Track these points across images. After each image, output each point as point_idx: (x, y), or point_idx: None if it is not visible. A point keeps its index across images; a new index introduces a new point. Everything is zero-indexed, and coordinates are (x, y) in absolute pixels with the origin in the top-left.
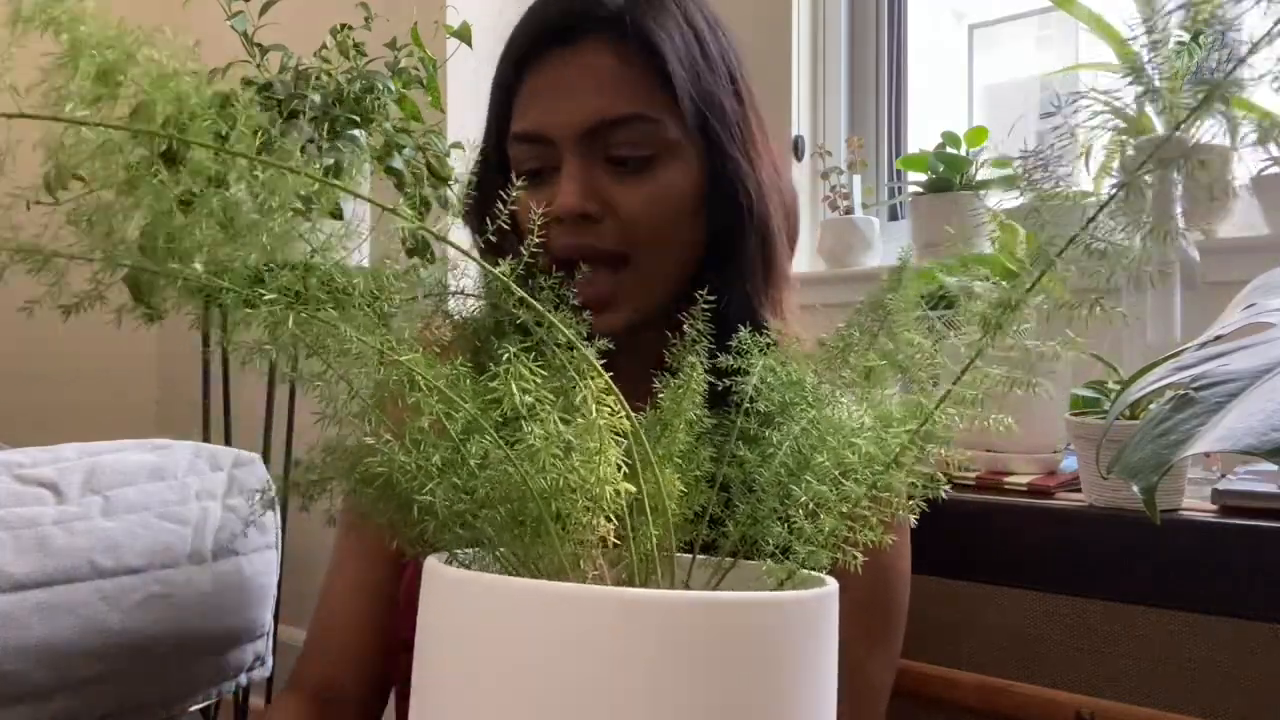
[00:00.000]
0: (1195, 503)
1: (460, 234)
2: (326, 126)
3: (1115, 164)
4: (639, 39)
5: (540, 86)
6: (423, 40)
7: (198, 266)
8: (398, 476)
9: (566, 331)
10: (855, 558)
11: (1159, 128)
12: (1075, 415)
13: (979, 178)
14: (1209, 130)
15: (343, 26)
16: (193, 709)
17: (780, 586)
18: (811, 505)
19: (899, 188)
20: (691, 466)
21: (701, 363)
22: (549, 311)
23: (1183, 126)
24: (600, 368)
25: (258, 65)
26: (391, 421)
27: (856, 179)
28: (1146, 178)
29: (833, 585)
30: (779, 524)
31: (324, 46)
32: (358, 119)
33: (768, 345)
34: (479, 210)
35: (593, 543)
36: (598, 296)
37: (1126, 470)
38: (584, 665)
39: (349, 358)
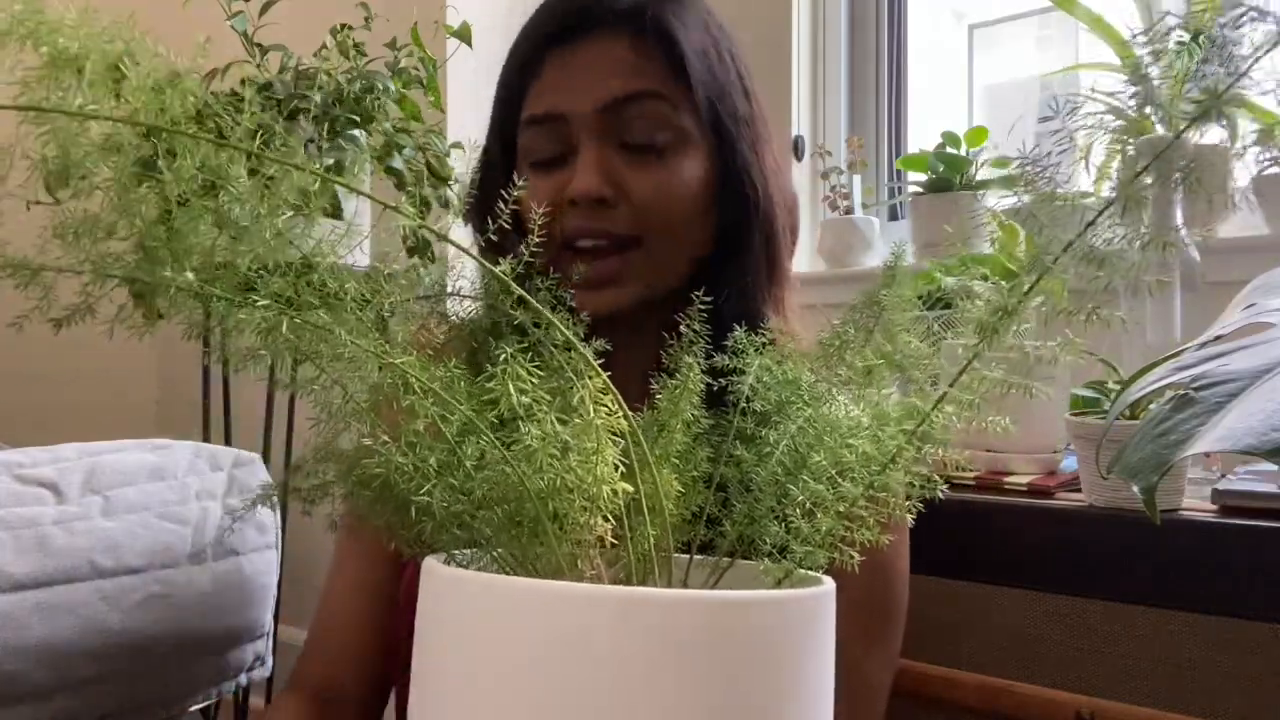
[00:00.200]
0: (1195, 503)
1: (461, 234)
2: (326, 126)
3: (1115, 165)
4: (656, 31)
5: (556, 73)
6: (423, 40)
7: (189, 275)
8: (395, 478)
9: (565, 330)
10: (852, 557)
11: (1159, 128)
12: (1075, 415)
13: (979, 178)
14: (1210, 134)
15: (343, 26)
16: (193, 709)
17: (778, 586)
18: (809, 505)
19: (899, 188)
20: (689, 467)
21: (698, 363)
22: (546, 311)
23: (1182, 134)
24: (598, 367)
25: (258, 65)
26: (388, 424)
27: (856, 179)
28: (1145, 183)
29: (830, 584)
30: (776, 524)
31: (324, 46)
32: (358, 119)
33: (764, 344)
34: (480, 208)
35: (590, 543)
36: (606, 272)
37: (1126, 470)
38: (581, 664)
39: (343, 362)
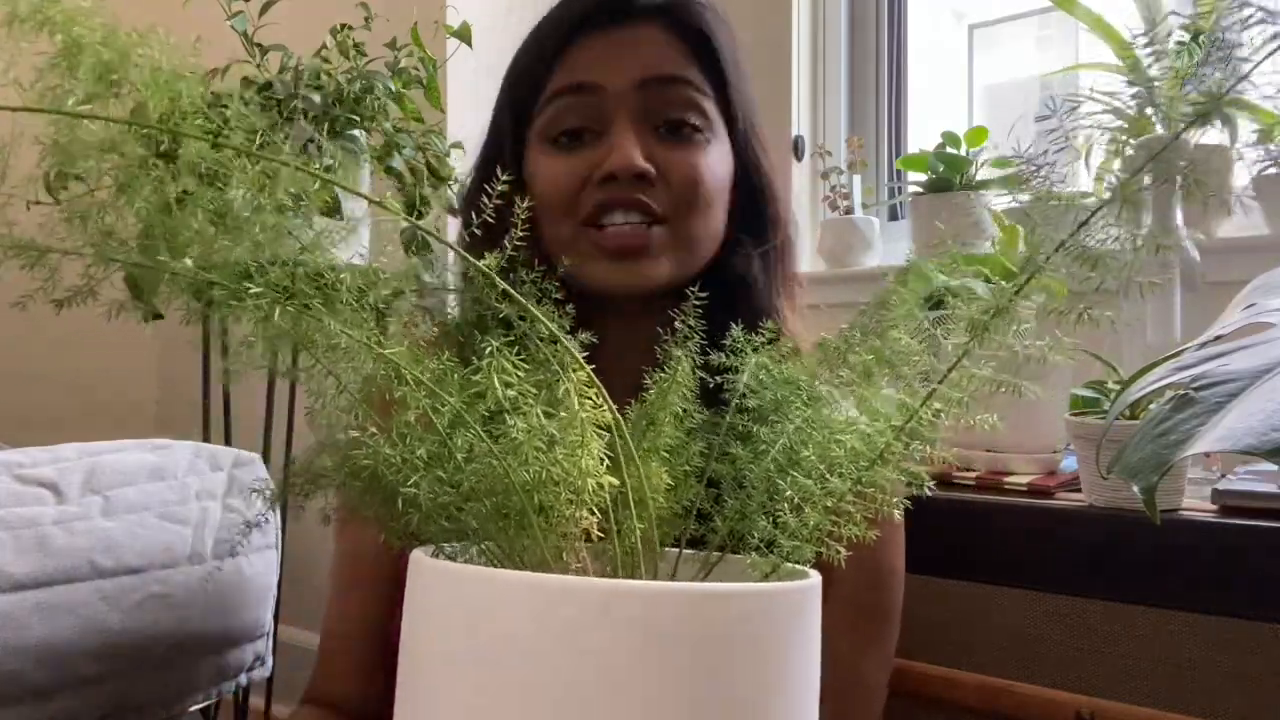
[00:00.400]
0: (1195, 503)
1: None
2: (326, 126)
3: (1115, 165)
4: (692, 25)
5: (590, 50)
6: (423, 40)
7: (188, 262)
8: (383, 470)
9: (548, 323)
10: (839, 552)
11: (1159, 128)
12: (1075, 415)
13: (979, 178)
14: (1210, 134)
15: (343, 26)
16: (193, 709)
17: (765, 580)
18: (796, 500)
19: (899, 188)
20: (680, 461)
21: (689, 357)
22: (530, 305)
23: (1181, 135)
24: (582, 360)
25: (258, 65)
26: (381, 415)
27: (856, 179)
28: (1142, 183)
29: (815, 578)
30: (765, 519)
31: (324, 46)
32: (358, 119)
33: (765, 342)
34: (478, 197)
35: (576, 535)
36: (637, 240)
37: (1126, 470)
38: (565, 655)
39: (336, 352)
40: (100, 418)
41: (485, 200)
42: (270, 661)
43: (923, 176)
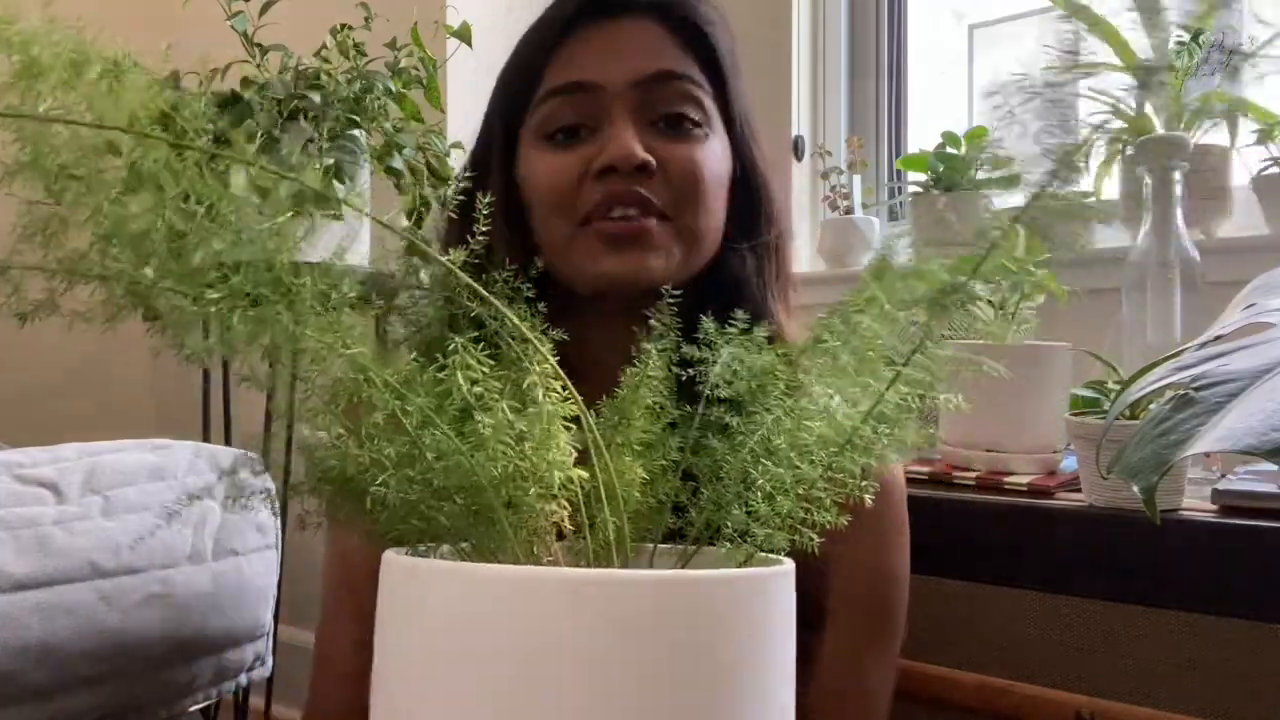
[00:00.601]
0: (1195, 503)
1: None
2: (326, 126)
3: (1115, 165)
4: (690, 22)
5: (585, 48)
6: (423, 40)
7: (148, 272)
8: (351, 470)
9: (513, 318)
10: (811, 539)
11: (1159, 127)
12: (1075, 415)
13: (979, 178)
14: (1210, 134)
15: (343, 26)
16: (193, 709)
17: (739, 568)
18: (769, 488)
19: (899, 188)
20: (657, 455)
21: (660, 351)
22: (498, 303)
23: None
24: (547, 353)
25: (258, 65)
26: (351, 418)
27: (856, 179)
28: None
29: (787, 565)
30: (738, 508)
31: (324, 46)
32: (358, 119)
33: (739, 333)
34: (472, 197)
35: (547, 529)
36: (641, 230)
37: (1126, 470)
38: (535, 647)
39: (302, 356)
40: (100, 418)
41: (471, 202)
42: (270, 661)
43: (923, 176)
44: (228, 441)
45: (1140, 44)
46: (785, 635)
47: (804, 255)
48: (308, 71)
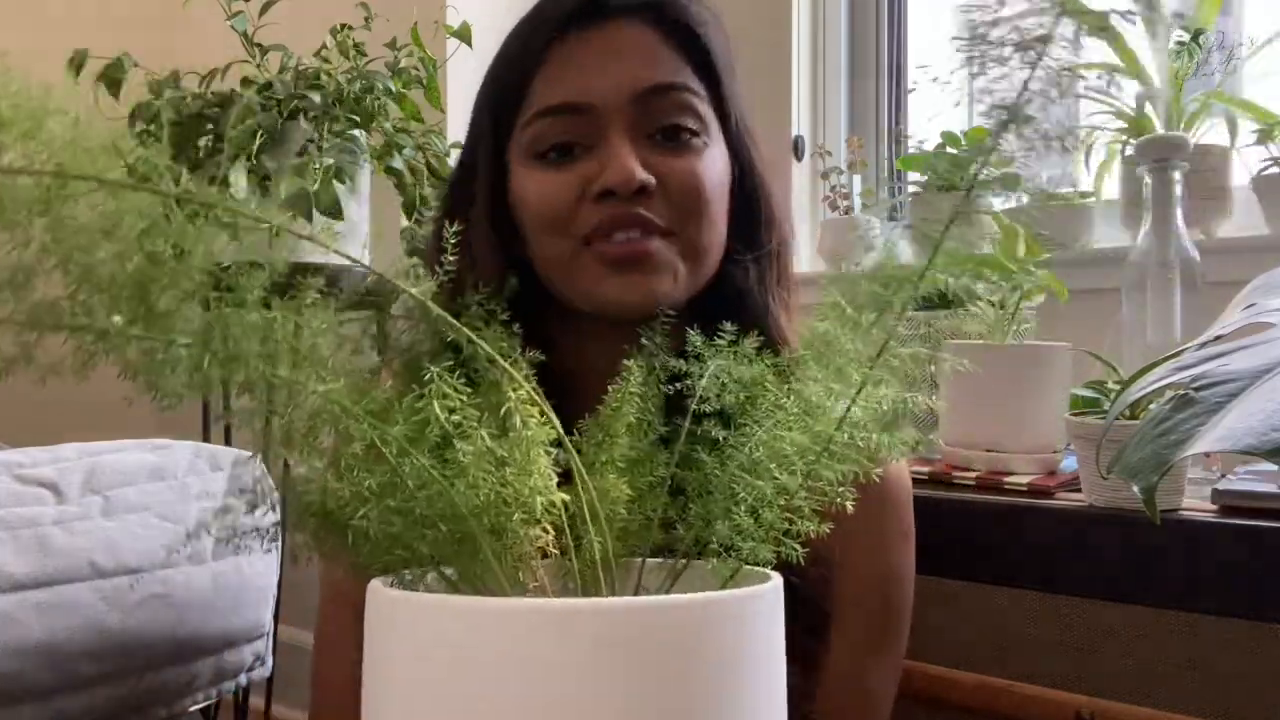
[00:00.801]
0: (1195, 503)
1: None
2: (326, 126)
3: (1116, 165)
4: (680, 24)
5: (573, 61)
6: (423, 40)
7: (117, 319)
8: (332, 504)
9: (485, 346)
10: (795, 549)
11: (1159, 127)
12: (1075, 415)
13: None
14: (1209, 134)
15: (343, 26)
16: (193, 709)
17: (725, 584)
18: (751, 502)
19: (899, 188)
20: (644, 471)
21: (642, 367)
22: (478, 329)
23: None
24: (521, 379)
25: (258, 65)
26: (330, 448)
27: (856, 179)
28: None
29: (774, 581)
30: (723, 522)
31: (324, 46)
32: (358, 119)
33: (726, 344)
34: (459, 214)
35: (531, 555)
36: (640, 250)
37: (1126, 470)
38: (521, 677)
39: (279, 393)
40: (100, 418)
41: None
42: (270, 661)
43: (923, 176)
44: (228, 441)
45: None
46: (774, 651)
47: (804, 255)
48: (308, 71)
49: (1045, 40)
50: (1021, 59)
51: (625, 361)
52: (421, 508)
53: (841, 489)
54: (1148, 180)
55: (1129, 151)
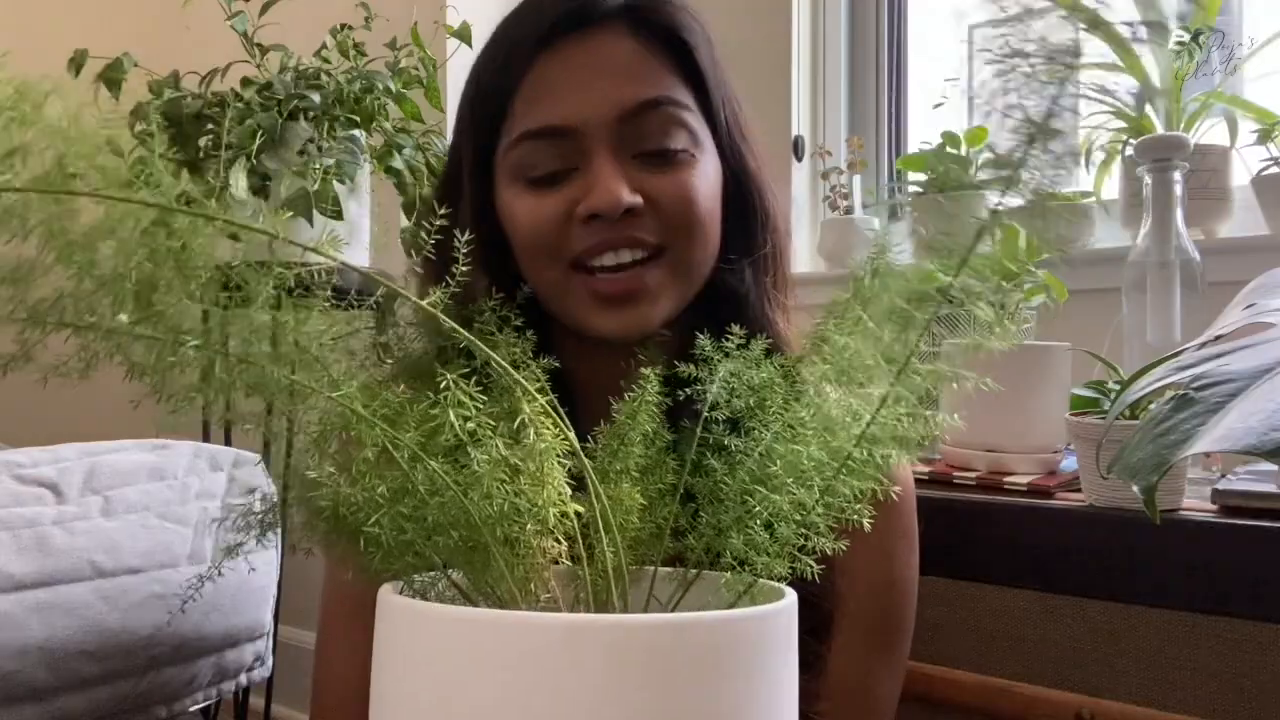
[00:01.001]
0: (1195, 503)
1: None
2: (326, 126)
3: (1116, 165)
4: (662, 28)
5: (555, 78)
6: (423, 40)
7: (123, 318)
8: (343, 510)
9: (498, 360)
10: (811, 566)
11: (1159, 127)
12: (1075, 415)
13: (979, 178)
14: (1210, 134)
15: (343, 26)
16: (193, 709)
17: (739, 598)
18: (767, 516)
19: (899, 188)
20: (655, 479)
21: (657, 375)
22: (489, 334)
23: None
24: (535, 390)
25: (258, 65)
26: (341, 453)
27: (856, 179)
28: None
29: (788, 598)
30: (737, 536)
31: (324, 46)
32: (358, 119)
33: (736, 348)
34: (447, 228)
35: (544, 565)
36: (635, 284)
37: (1126, 470)
38: (530, 691)
39: (288, 395)
40: (100, 418)
41: (446, 232)
42: (270, 661)
43: (923, 176)
44: (228, 441)
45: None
46: (787, 668)
47: (804, 255)
48: (308, 71)
49: (1074, 55)
50: (1049, 74)
51: (643, 370)
52: (434, 515)
53: (859, 506)
54: (1148, 180)
55: (1129, 151)
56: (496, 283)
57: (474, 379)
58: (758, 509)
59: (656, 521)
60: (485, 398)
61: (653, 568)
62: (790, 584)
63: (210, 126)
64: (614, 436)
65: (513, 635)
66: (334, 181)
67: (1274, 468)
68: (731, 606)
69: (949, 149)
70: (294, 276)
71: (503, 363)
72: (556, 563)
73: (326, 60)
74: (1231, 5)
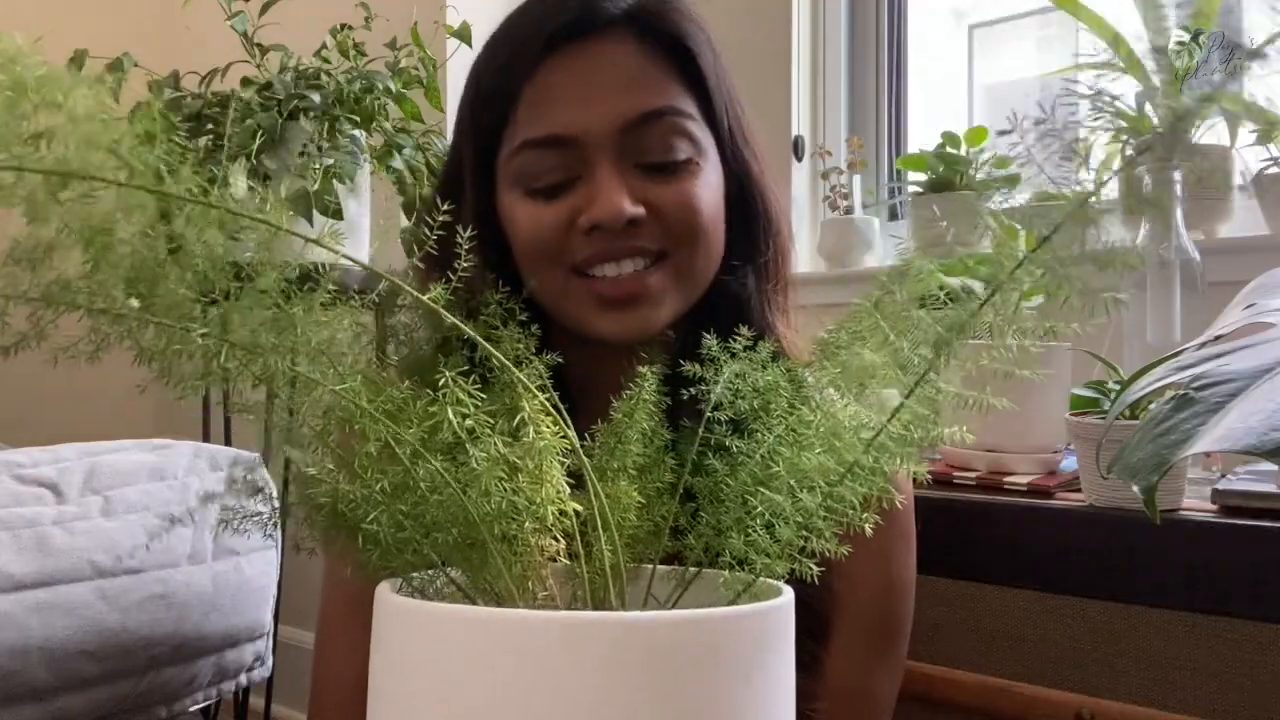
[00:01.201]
0: (1195, 503)
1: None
2: (326, 126)
3: (1116, 165)
4: (666, 34)
5: (558, 86)
6: (423, 40)
7: (134, 303)
8: (341, 506)
9: (499, 357)
10: (811, 569)
11: (1159, 127)
12: (1075, 415)
13: (979, 178)
14: (1210, 133)
15: (343, 26)
16: (193, 709)
17: (738, 597)
18: (768, 517)
19: (899, 188)
20: (654, 478)
21: (653, 373)
22: (492, 329)
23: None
24: (535, 388)
25: (258, 65)
26: (344, 448)
27: (856, 179)
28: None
29: (786, 596)
30: (737, 536)
31: (324, 46)
32: (358, 119)
33: (743, 349)
34: (448, 231)
35: (542, 563)
36: (637, 287)
37: (1126, 470)
38: (527, 689)
39: (294, 387)
40: (100, 418)
41: (448, 230)
42: (270, 661)
43: (923, 176)
44: (228, 441)
45: (1142, 47)
46: (784, 666)
47: (804, 255)
48: (308, 71)
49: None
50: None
51: (640, 368)
52: (433, 512)
53: (865, 514)
54: (1148, 180)
55: (1129, 151)
56: (496, 282)
57: (474, 375)
58: (759, 509)
59: (655, 520)
60: (484, 395)
61: (651, 566)
62: (788, 586)
63: (210, 126)
64: (611, 434)
65: (511, 633)
66: (334, 181)
67: (1274, 468)
68: (730, 605)
69: (949, 149)
70: (298, 270)
71: (502, 358)
72: (554, 560)
73: (326, 60)
74: (1231, 5)
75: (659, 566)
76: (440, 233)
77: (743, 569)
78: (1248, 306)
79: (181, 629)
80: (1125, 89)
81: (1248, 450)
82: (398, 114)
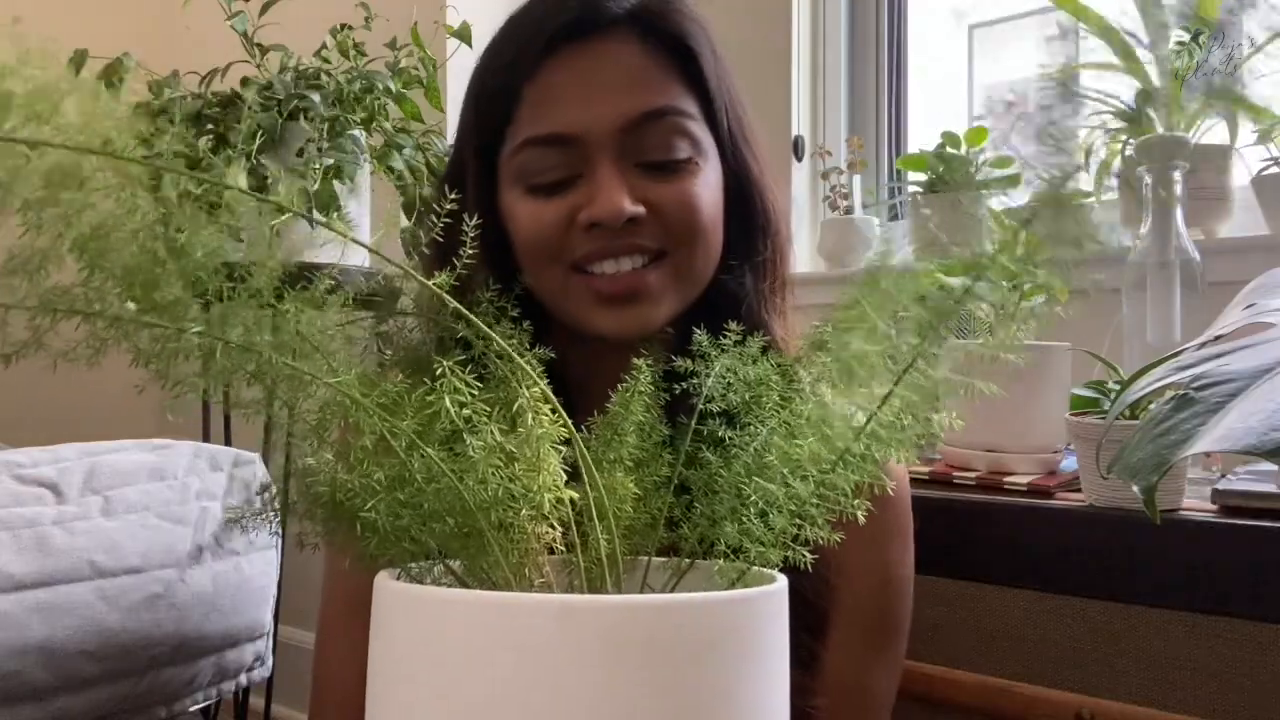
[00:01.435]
0: (1195, 503)
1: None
2: (326, 126)
3: (1116, 164)
4: (668, 34)
5: (560, 85)
6: (423, 40)
7: (130, 306)
8: (340, 496)
9: (501, 342)
10: (804, 556)
11: (1159, 127)
12: (1075, 415)
13: (979, 178)
14: (1210, 133)
15: (343, 26)
16: (193, 709)
17: (732, 586)
18: (762, 505)
19: (899, 188)
20: (649, 471)
21: (648, 365)
22: (489, 324)
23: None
24: (536, 376)
25: (258, 65)
26: (339, 440)
27: (856, 179)
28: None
29: (780, 583)
30: (731, 525)
31: (324, 46)
32: (358, 119)
33: (733, 344)
34: (450, 227)
35: (539, 551)
36: (636, 284)
37: (1126, 470)
38: (523, 672)
39: (290, 383)
40: (100, 418)
41: (450, 222)
42: (270, 661)
43: (923, 176)
44: (228, 441)
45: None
46: (779, 653)
47: (804, 255)
48: (308, 71)
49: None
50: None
51: (635, 360)
52: (430, 501)
53: (857, 501)
54: (1148, 180)
55: (1129, 151)
56: (497, 278)
57: (470, 368)
58: (753, 498)
59: (651, 512)
60: (481, 385)
61: (647, 557)
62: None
63: (210, 127)
64: (607, 426)
65: (508, 616)
66: (334, 181)
67: (1274, 468)
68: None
69: (949, 149)
70: (295, 267)
71: (503, 344)
72: (551, 550)
73: (326, 60)
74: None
75: (655, 558)
76: (443, 230)
77: (737, 558)
78: (1248, 306)
79: (181, 629)
80: (1125, 90)
81: (1248, 450)
82: (398, 114)
